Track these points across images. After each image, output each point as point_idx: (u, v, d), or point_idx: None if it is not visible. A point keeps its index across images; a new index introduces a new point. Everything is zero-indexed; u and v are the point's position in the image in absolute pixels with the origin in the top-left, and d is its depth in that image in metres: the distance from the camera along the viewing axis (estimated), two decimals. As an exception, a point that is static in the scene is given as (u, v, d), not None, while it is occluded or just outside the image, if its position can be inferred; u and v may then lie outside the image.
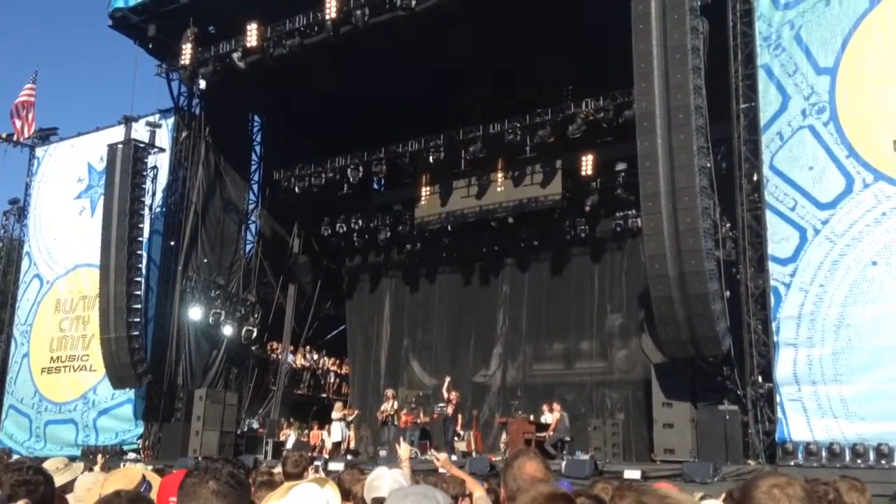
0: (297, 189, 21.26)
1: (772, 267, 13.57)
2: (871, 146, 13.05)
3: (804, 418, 12.91)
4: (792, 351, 13.19)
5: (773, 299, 13.48)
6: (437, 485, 4.59)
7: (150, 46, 21.29)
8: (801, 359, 13.09)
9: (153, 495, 3.54)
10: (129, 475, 3.59)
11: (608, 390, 18.85)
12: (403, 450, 6.36)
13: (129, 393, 20.32)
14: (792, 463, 12.52)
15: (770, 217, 13.71)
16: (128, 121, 20.51)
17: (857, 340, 12.64)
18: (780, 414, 13.13)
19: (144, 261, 20.03)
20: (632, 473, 12.95)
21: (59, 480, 4.19)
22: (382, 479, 3.64)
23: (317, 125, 21.65)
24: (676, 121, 13.29)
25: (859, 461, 12.16)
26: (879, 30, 13.32)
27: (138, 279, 19.53)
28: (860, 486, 4.46)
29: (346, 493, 5.18)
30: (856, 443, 12.35)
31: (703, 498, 5.93)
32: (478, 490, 4.59)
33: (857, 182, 13.04)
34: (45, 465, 4.15)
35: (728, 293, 13.84)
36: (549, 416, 16.68)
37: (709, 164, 13.52)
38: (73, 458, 8.93)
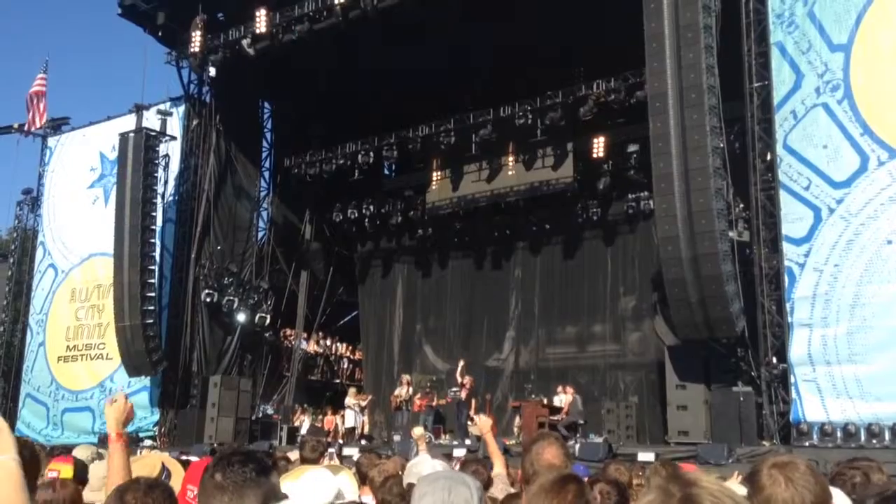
0: (308, 176, 21.29)
1: (786, 247, 13.49)
2: (885, 123, 12.91)
3: (819, 399, 12.87)
4: (806, 331, 13.13)
5: (787, 280, 13.41)
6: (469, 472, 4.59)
7: (160, 34, 21.28)
8: (816, 339, 13.03)
9: (173, 483, 3.57)
10: (148, 463, 3.63)
11: (621, 373, 18.84)
12: (417, 431, 6.39)
13: (145, 380, 20.48)
14: (807, 444, 12.50)
15: (784, 197, 13.62)
16: (139, 109, 20.56)
17: (873, 320, 12.56)
18: (794, 395, 13.09)
19: (158, 249, 20.13)
20: (646, 456, 12.92)
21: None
22: (423, 465, 3.66)
23: (327, 111, 21.61)
24: (689, 101, 13.18)
25: (874, 441, 12.13)
26: (895, 5, 13.15)
27: (152, 267, 19.65)
28: (877, 466, 4.47)
29: (363, 477, 5.21)
30: (871, 423, 12.32)
31: (717, 479, 5.93)
32: (498, 466, 4.59)
33: (871, 160, 12.92)
34: (75, 452, 4.17)
35: (742, 274, 13.77)
36: (563, 398, 16.69)
37: (722, 145, 13.42)
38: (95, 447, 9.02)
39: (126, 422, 3.39)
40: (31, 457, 2.96)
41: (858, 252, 12.82)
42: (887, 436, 12.14)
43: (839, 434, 12.53)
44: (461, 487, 2.28)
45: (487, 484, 4.41)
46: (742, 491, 3.38)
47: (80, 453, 4.26)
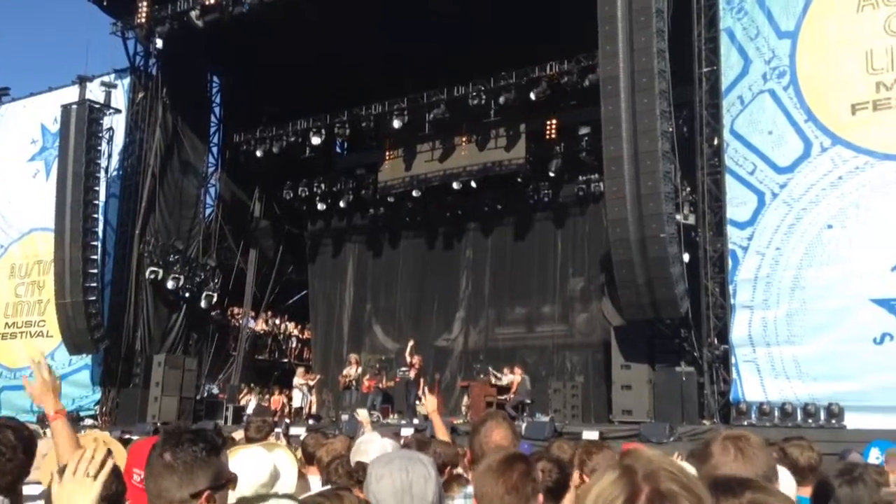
0: (258, 152, 20.94)
1: (730, 230, 13.75)
2: (829, 110, 13.21)
3: (758, 379, 13.20)
4: (748, 313, 13.44)
5: (730, 262, 13.69)
6: (431, 450, 4.58)
7: (105, 4, 20.67)
8: (757, 321, 13.34)
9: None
10: (88, 443, 3.53)
11: (569, 353, 19.06)
12: (361, 413, 6.36)
13: (87, 359, 20.06)
14: (745, 423, 12.79)
15: (729, 181, 13.86)
16: (82, 81, 19.98)
17: (811, 302, 12.90)
18: (734, 375, 13.41)
19: (101, 225, 19.67)
20: (590, 434, 13.13)
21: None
22: (371, 445, 3.63)
23: (278, 86, 21.24)
24: (640, 84, 13.30)
25: (810, 420, 12.48)
26: (840, -6, 13.43)
27: (95, 243, 19.21)
28: (807, 445, 4.61)
29: (310, 458, 5.16)
30: (807, 402, 12.67)
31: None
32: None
33: (815, 146, 13.21)
34: None
35: (687, 256, 14.01)
36: (510, 378, 16.83)
37: (671, 129, 13.58)
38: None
39: (55, 392, 3.09)
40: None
41: (799, 236, 13.13)
42: (822, 415, 12.50)
43: (777, 413, 12.86)
44: (418, 466, 2.26)
45: (455, 461, 4.40)
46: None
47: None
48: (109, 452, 2.89)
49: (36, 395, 3.08)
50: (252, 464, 3.10)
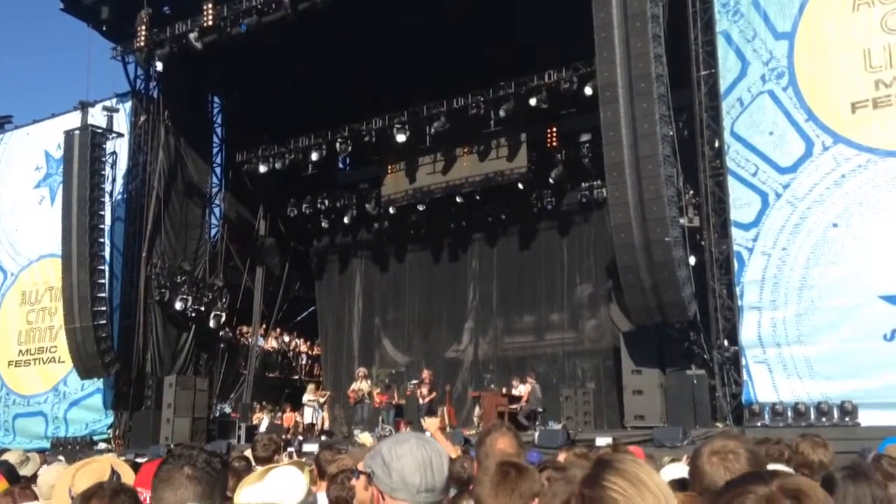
0: (260, 170, 21.04)
1: (735, 232, 13.74)
2: (829, 109, 13.20)
3: (770, 379, 13.15)
4: (756, 314, 13.40)
5: (736, 264, 13.66)
6: (459, 464, 4.60)
7: (104, 29, 20.82)
8: (766, 321, 13.30)
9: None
10: (96, 468, 3.55)
11: (579, 360, 19.04)
12: (364, 438, 6.37)
13: (99, 383, 20.10)
14: (759, 424, 12.76)
15: (732, 183, 13.85)
16: (84, 106, 20.08)
17: (820, 301, 12.86)
18: (746, 376, 13.36)
19: (107, 248, 19.72)
20: (603, 441, 13.09)
21: (23, 473, 4.18)
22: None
23: (278, 105, 21.37)
24: (638, 90, 13.32)
25: (824, 419, 12.42)
26: (836, -7, 13.44)
27: (102, 267, 19.27)
28: (822, 442, 4.60)
29: (322, 473, 5.18)
30: (820, 401, 12.61)
31: (672, 461, 6.06)
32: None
33: (816, 145, 13.20)
34: (6, 456, 4.13)
35: (693, 259, 13.99)
36: (521, 388, 16.82)
37: (671, 133, 13.60)
38: (42, 451, 8.86)
39: None
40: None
41: (805, 236, 13.11)
42: (836, 414, 12.45)
43: (790, 414, 12.79)
44: (430, 443, 2.41)
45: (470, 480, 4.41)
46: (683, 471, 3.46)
47: (10, 457, 4.23)
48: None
49: None
50: (290, 481, 3.11)
